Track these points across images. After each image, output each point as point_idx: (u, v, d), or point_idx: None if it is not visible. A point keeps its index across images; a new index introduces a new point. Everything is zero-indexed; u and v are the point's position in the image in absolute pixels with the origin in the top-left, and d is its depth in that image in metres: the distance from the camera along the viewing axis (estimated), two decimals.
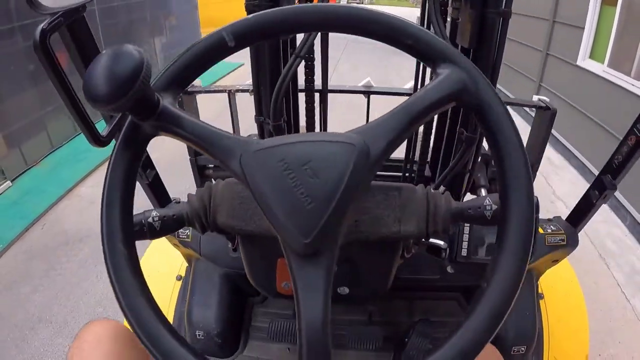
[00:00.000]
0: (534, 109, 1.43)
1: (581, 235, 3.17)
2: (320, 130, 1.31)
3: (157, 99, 0.42)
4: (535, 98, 1.45)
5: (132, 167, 0.45)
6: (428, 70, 0.98)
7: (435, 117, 1.16)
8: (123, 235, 0.43)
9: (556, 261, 0.98)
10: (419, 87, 1.18)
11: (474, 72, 0.42)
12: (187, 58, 0.45)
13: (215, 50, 0.44)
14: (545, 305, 1.18)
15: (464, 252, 0.83)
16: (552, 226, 0.93)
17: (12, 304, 2.29)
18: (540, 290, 1.20)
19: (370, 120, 1.35)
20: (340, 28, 0.43)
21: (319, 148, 0.40)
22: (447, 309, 1.10)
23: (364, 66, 7.40)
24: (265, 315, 1.08)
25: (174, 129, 0.43)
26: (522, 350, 0.96)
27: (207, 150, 0.43)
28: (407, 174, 1.37)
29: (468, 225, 0.83)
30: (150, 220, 0.49)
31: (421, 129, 1.21)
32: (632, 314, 2.31)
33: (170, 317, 1.10)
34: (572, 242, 0.92)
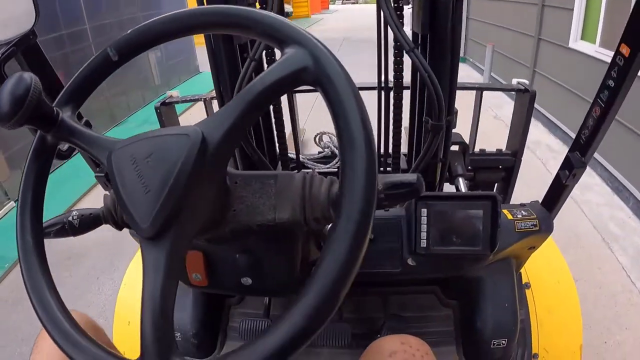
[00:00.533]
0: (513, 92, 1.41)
1: (583, 219, 3.09)
2: (293, 130, 1.28)
3: (57, 113, 0.48)
4: (514, 81, 1.41)
5: (43, 172, 0.52)
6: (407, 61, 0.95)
7: (407, 106, 1.12)
8: (33, 232, 0.50)
9: (533, 248, 0.93)
10: (383, 78, 1.14)
11: (316, 49, 0.41)
12: (80, 77, 0.52)
13: (103, 66, 0.50)
14: (532, 295, 1.12)
15: (423, 244, 0.78)
16: (523, 211, 0.88)
17: (20, 318, 2.31)
18: (526, 280, 1.14)
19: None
20: (203, 29, 0.47)
21: (160, 142, 0.43)
22: (424, 302, 1.06)
23: (361, 64, 7.39)
24: (241, 316, 1.06)
25: (69, 137, 0.49)
26: (502, 344, 0.90)
27: (92, 154, 0.48)
28: (381, 168, 1.32)
29: (425, 215, 0.78)
30: (70, 219, 0.56)
31: (392, 119, 1.18)
32: (639, 298, 2.22)
33: None
34: (545, 227, 0.86)
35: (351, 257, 0.37)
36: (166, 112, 1.34)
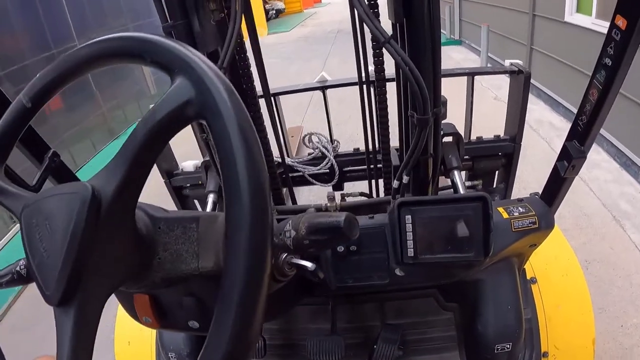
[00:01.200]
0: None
1: (592, 198, 3.01)
2: (275, 135, 1.24)
3: None
4: (507, 63, 1.35)
5: None
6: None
7: (394, 101, 1.08)
8: None
9: (534, 245, 0.87)
10: (363, 73, 1.09)
11: (200, 76, 0.35)
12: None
13: (18, 116, 0.49)
14: (539, 291, 1.06)
15: (410, 253, 0.73)
16: (520, 208, 0.81)
17: (29, 343, 2.31)
18: (531, 275, 1.08)
19: (330, 115, 1.26)
20: (100, 63, 0.44)
21: (55, 202, 0.40)
22: (423, 307, 1.00)
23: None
24: None
25: None
26: (507, 348, 0.85)
27: (8, 207, 0.46)
28: (372, 166, 1.28)
29: (410, 223, 0.73)
30: (17, 268, 0.52)
31: (377, 116, 1.13)
32: None
33: (153, 343, 1.11)
34: (545, 224, 0.80)
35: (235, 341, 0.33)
36: None
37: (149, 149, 0.38)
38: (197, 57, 0.37)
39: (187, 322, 0.57)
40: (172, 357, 0.95)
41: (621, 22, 0.60)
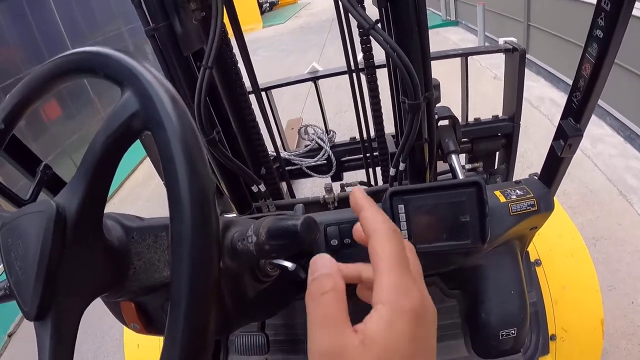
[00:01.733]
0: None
1: (597, 173, 2.97)
2: (268, 129, 1.22)
3: None
4: (500, 41, 1.33)
5: None
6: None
7: (386, 87, 1.06)
8: None
9: (535, 228, 0.85)
10: (352, 61, 1.07)
11: (144, 87, 0.35)
12: None
13: None
14: (544, 273, 1.05)
15: None
16: (518, 190, 0.79)
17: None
18: (535, 257, 1.06)
19: (323, 105, 1.25)
20: (59, 82, 0.45)
21: (25, 221, 0.41)
22: None
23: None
24: (239, 330, 1.02)
25: None
26: (512, 333, 0.84)
27: None
28: (368, 154, 1.26)
29: (403, 212, 0.71)
30: (8, 284, 0.54)
31: (369, 103, 1.11)
32: None
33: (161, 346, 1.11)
34: (545, 206, 0.78)
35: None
36: (150, 140, 1.30)
37: (106, 162, 0.38)
38: (143, 68, 0.37)
39: None
40: None
41: None
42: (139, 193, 3.98)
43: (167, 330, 0.32)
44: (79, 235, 0.40)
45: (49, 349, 0.38)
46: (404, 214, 0.71)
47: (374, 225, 0.34)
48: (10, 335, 2.72)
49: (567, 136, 0.72)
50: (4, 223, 0.44)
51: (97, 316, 2.53)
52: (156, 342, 1.16)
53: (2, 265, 0.45)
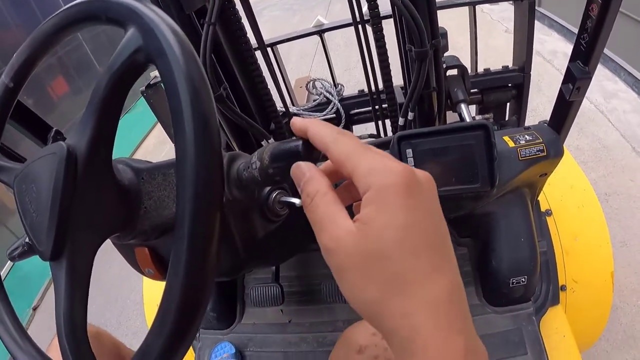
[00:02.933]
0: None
1: (610, 129, 2.90)
2: (276, 85, 1.20)
3: None
4: None
5: None
6: None
7: (392, 37, 1.02)
8: None
9: (545, 175, 0.83)
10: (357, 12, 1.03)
11: (146, 22, 0.36)
12: None
13: (4, 96, 0.51)
14: (555, 223, 1.03)
15: None
16: (527, 136, 0.77)
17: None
18: (546, 207, 1.05)
19: (330, 59, 1.24)
20: (64, 35, 0.46)
21: (37, 165, 0.43)
22: None
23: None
24: (254, 282, 1.06)
25: None
26: (522, 281, 0.84)
27: (4, 181, 0.49)
28: (377, 106, 1.24)
29: (411, 157, 0.70)
30: (27, 240, 0.58)
31: (375, 55, 1.08)
32: None
33: None
34: (554, 152, 0.76)
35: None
36: (154, 94, 1.30)
37: (112, 100, 0.39)
38: (143, 6, 0.37)
39: None
40: None
41: None
42: (152, 159, 4.00)
43: (174, 249, 0.32)
44: (90, 173, 0.41)
45: (64, 288, 0.40)
46: (412, 158, 0.70)
47: (324, 138, 0.33)
48: (35, 309, 2.80)
49: (576, 79, 0.70)
50: (17, 174, 0.46)
51: (116, 285, 2.61)
52: None
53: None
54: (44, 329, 2.57)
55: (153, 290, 1.27)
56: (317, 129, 0.35)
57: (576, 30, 0.66)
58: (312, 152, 0.38)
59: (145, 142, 4.49)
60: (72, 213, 0.40)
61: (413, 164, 0.70)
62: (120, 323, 2.42)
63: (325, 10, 7.03)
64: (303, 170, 0.34)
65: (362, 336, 0.64)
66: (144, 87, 1.28)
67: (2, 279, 0.54)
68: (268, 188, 0.56)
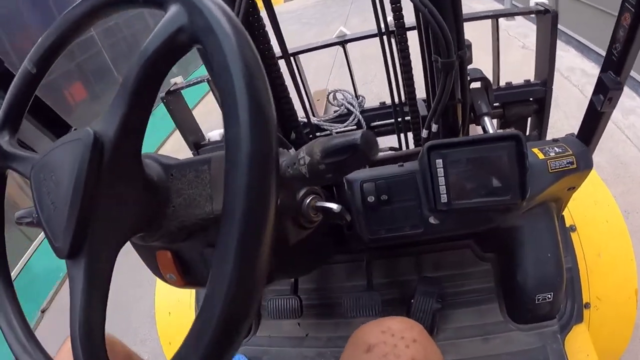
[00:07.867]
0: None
1: (629, 145, 2.84)
2: (299, 95, 1.21)
3: None
4: (532, 3, 1.27)
5: None
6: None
7: (416, 48, 1.03)
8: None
9: (573, 188, 0.82)
10: (382, 23, 1.04)
11: (191, 1, 0.32)
12: (7, 101, 0.49)
13: (25, 83, 0.48)
14: (579, 239, 1.02)
15: (443, 199, 0.69)
16: (556, 148, 0.77)
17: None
18: (571, 222, 1.03)
19: (352, 70, 1.24)
20: (95, 19, 0.43)
21: (59, 153, 0.39)
22: (459, 258, 0.98)
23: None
24: (271, 294, 1.03)
25: (7, 164, 0.48)
26: (548, 298, 0.82)
27: (20, 172, 0.46)
28: (399, 118, 1.24)
29: (441, 167, 0.69)
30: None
31: (399, 65, 1.09)
32: None
33: (192, 312, 1.13)
34: (584, 164, 0.75)
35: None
36: (174, 101, 1.30)
37: (146, 86, 0.36)
38: None
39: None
40: None
41: None
42: None
43: (216, 259, 0.29)
44: (117, 165, 0.37)
45: (81, 289, 0.36)
46: (442, 169, 0.69)
47: None
48: (43, 311, 2.78)
49: (608, 89, 0.69)
50: (34, 163, 0.42)
51: (123, 290, 2.59)
52: (187, 308, 1.17)
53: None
54: (52, 332, 2.58)
55: (166, 297, 1.25)
56: None
57: (594, 47, 0.66)
58: (371, 148, 0.35)
59: (161, 150, 4.52)
60: (95, 206, 0.36)
61: (443, 174, 0.69)
62: (127, 330, 2.40)
63: (343, 24, 7.08)
64: None
65: (371, 335, 0.63)
66: (163, 94, 1.29)
67: (13, 280, 0.51)
68: (302, 192, 0.53)
